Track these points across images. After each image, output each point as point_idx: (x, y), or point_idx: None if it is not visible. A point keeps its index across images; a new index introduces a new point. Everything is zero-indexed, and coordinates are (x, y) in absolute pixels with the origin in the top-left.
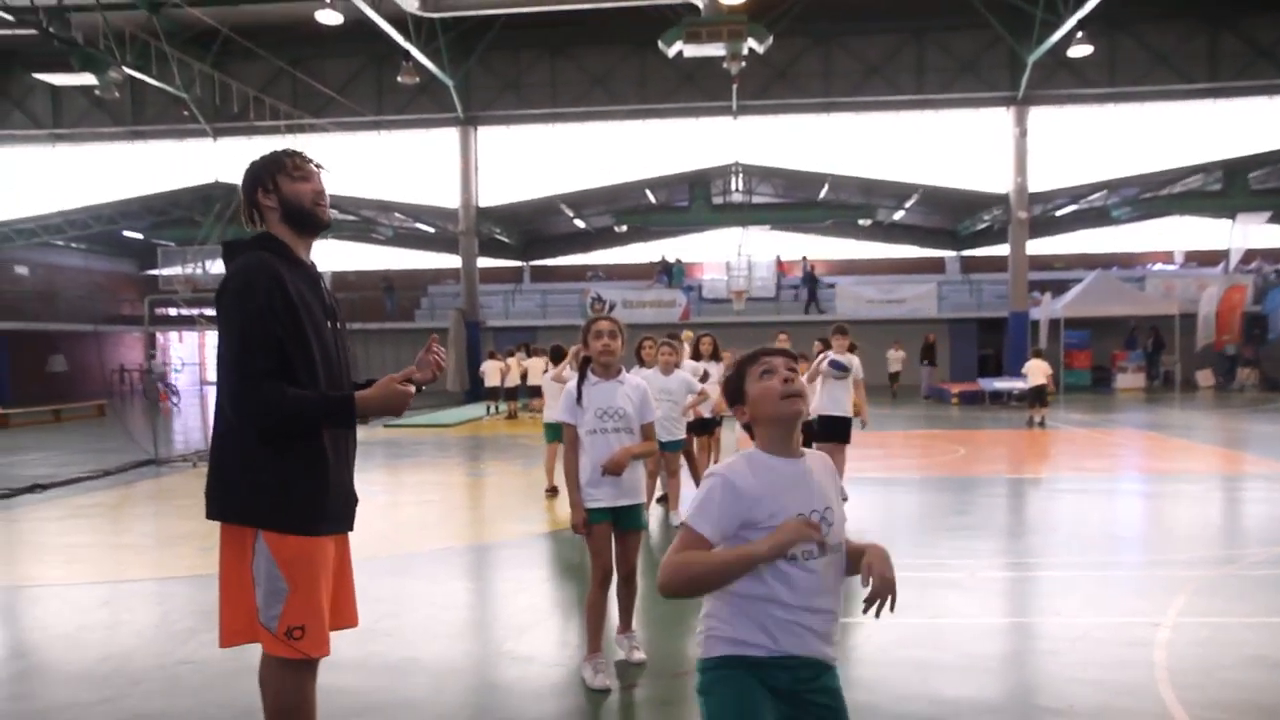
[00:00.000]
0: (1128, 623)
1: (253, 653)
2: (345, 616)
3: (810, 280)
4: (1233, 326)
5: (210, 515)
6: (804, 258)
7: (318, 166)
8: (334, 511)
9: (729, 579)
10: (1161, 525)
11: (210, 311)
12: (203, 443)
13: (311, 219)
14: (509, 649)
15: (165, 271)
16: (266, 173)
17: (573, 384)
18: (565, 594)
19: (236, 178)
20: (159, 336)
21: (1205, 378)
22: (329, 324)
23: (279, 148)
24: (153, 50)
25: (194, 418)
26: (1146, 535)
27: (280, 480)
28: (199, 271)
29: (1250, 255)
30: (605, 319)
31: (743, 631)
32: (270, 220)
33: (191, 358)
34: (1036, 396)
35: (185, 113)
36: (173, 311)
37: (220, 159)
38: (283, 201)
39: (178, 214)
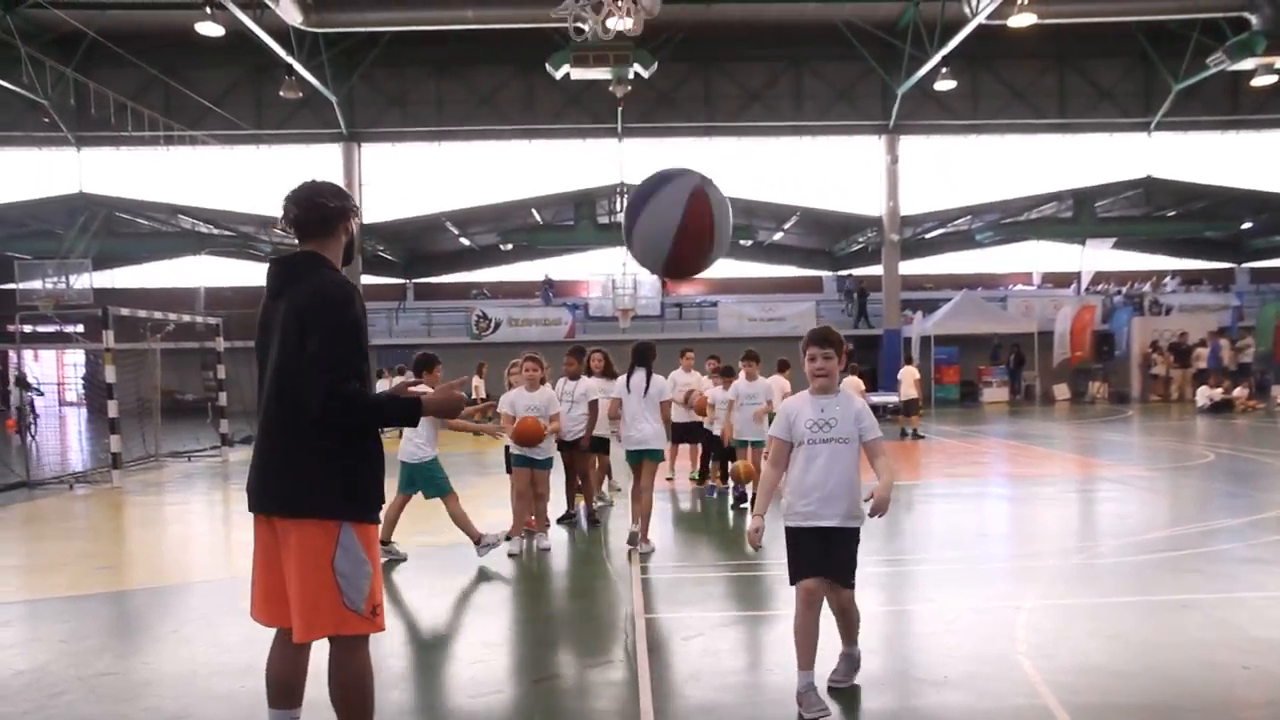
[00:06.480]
0: (993, 607)
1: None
2: None
3: (860, 295)
4: (1085, 343)
5: (290, 514)
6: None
7: None
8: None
9: None
10: (1023, 523)
11: (77, 328)
12: (78, 464)
13: (351, 261)
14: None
15: (23, 285)
16: (353, 205)
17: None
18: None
19: (103, 188)
20: (11, 355)
21: (1061, 391)
22: None
23: (143, 155)
24: (12, 53)
25: (55, 440)
26: (1010, 532)
27: (359, 474)
28: (62, 286)
29: (1099, 277)
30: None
31: None
32: (330, 246)
33: (50, 377)
34: (908, 408)
35: (45, 119)
36: (28, 328)
37: (85, 169)
38: (352, 237)
39: (36, 226)
